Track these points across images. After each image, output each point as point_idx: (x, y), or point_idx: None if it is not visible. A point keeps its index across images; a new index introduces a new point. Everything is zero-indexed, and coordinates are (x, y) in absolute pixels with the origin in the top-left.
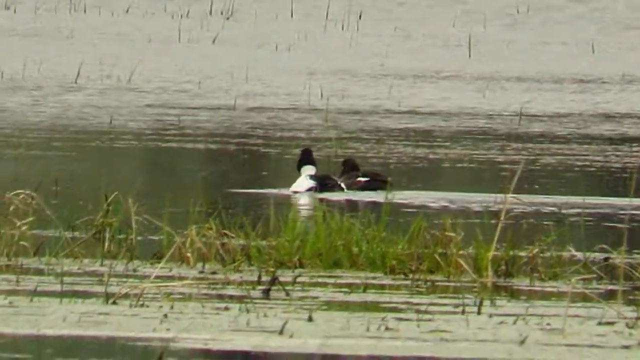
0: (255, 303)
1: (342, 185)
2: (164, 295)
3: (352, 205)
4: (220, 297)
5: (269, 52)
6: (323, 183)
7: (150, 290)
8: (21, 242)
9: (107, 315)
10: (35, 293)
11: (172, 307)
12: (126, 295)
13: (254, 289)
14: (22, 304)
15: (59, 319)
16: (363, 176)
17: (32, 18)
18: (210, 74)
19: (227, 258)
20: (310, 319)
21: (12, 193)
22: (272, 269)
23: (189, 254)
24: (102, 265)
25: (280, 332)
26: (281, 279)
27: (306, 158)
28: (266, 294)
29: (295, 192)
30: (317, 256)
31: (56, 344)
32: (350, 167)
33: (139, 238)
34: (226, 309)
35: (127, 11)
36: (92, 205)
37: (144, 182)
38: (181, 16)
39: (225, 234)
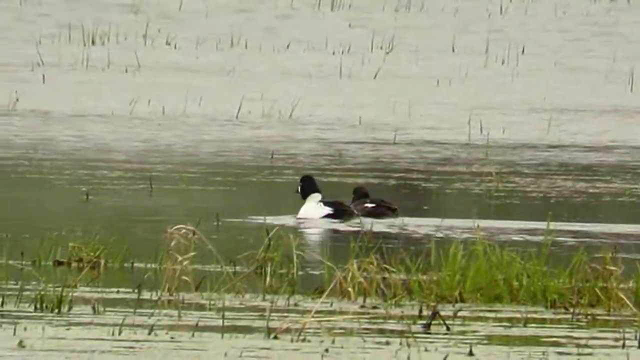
0: (416, 337)
1: (355, 211)
2: (325, 329)
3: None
4: (381, 332)
5: (430, 87)
6: (340, 209)
7: (312, 325)
8: (183, 277)
9: (268, 350)
10: (197, 328)
11: (333, 342)
12: (287, 330)
13: (414, 323)
14: (184, 339)
15: (220, 354)
16: (370, 202)
17: (193, 54)
18: (371, 109)
19: (388, 292)
20: (470, 353)
21: (174, 228)
22: (432, 303)
23: (350, 289)
24: (263, 300)
25: None
26: (442, 313)
27: (312, 185)
28: (427, 328)
29: (303, 220)
30: (477, 290)
31: None
32: (360, 194)
33: (300, 273)
34: (387, 343)
35: (288, 47)
36: (253, 240)
37: None
38: (342, 52)
39: (386, 268)
